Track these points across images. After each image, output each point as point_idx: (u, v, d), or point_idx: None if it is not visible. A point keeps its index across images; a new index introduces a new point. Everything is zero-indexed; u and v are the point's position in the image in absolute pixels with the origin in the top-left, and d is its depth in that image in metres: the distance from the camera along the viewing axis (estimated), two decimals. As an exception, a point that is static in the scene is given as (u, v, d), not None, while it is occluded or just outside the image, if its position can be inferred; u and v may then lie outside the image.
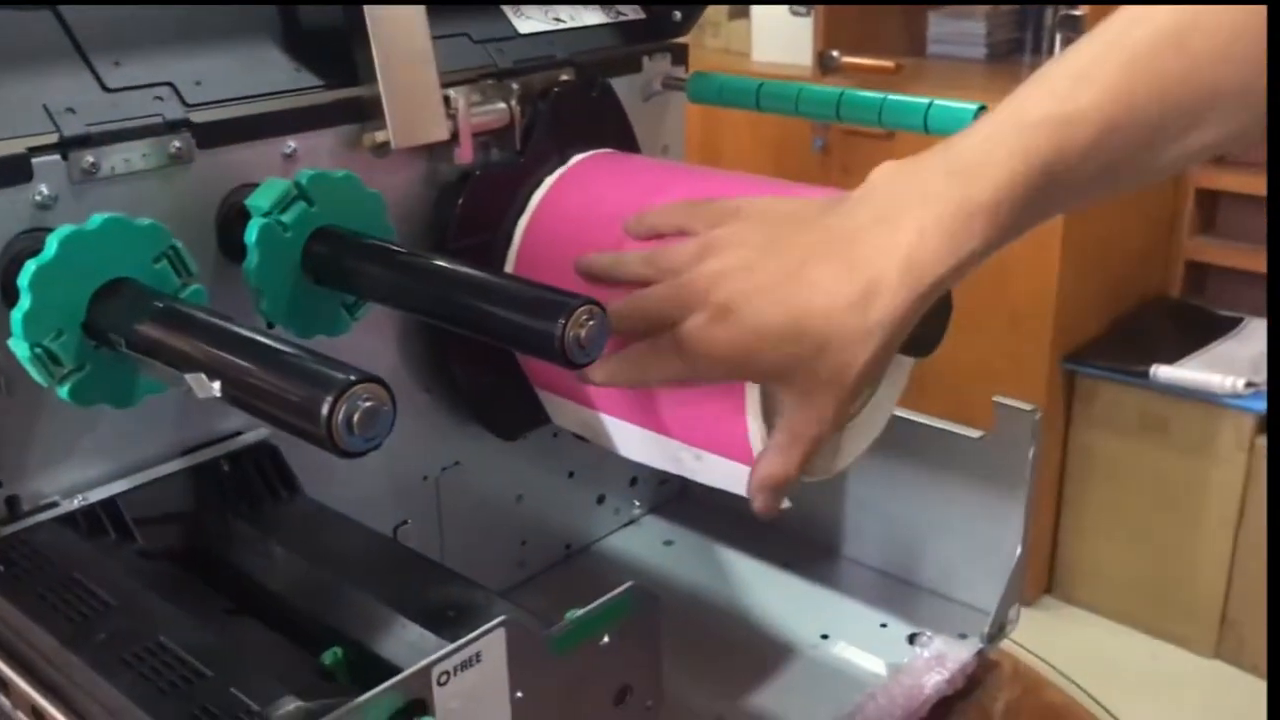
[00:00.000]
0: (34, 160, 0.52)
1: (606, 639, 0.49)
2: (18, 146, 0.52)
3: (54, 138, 0.53)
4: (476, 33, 0.70)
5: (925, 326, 0.62)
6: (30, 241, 0.53)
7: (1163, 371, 1.90)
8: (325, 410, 0.40)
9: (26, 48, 0.55)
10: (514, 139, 0.70)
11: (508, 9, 0.73)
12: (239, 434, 0.62)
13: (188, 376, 0.44)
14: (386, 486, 0.71)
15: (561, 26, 0.75)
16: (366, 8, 0.61)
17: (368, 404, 0.40)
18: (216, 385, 0.43)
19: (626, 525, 0.88)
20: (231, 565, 0.58)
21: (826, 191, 0.60)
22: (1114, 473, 2.03)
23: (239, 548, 0.58)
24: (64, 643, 0.46)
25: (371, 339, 0.66)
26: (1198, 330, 2.04)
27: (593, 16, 0.77)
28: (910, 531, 0.80)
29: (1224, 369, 1.87)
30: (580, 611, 0.49)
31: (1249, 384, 1.84)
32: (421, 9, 0.63)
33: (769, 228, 0.55)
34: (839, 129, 2.06)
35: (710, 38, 2.40)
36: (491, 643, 0.44)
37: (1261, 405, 1.82)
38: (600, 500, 0.86)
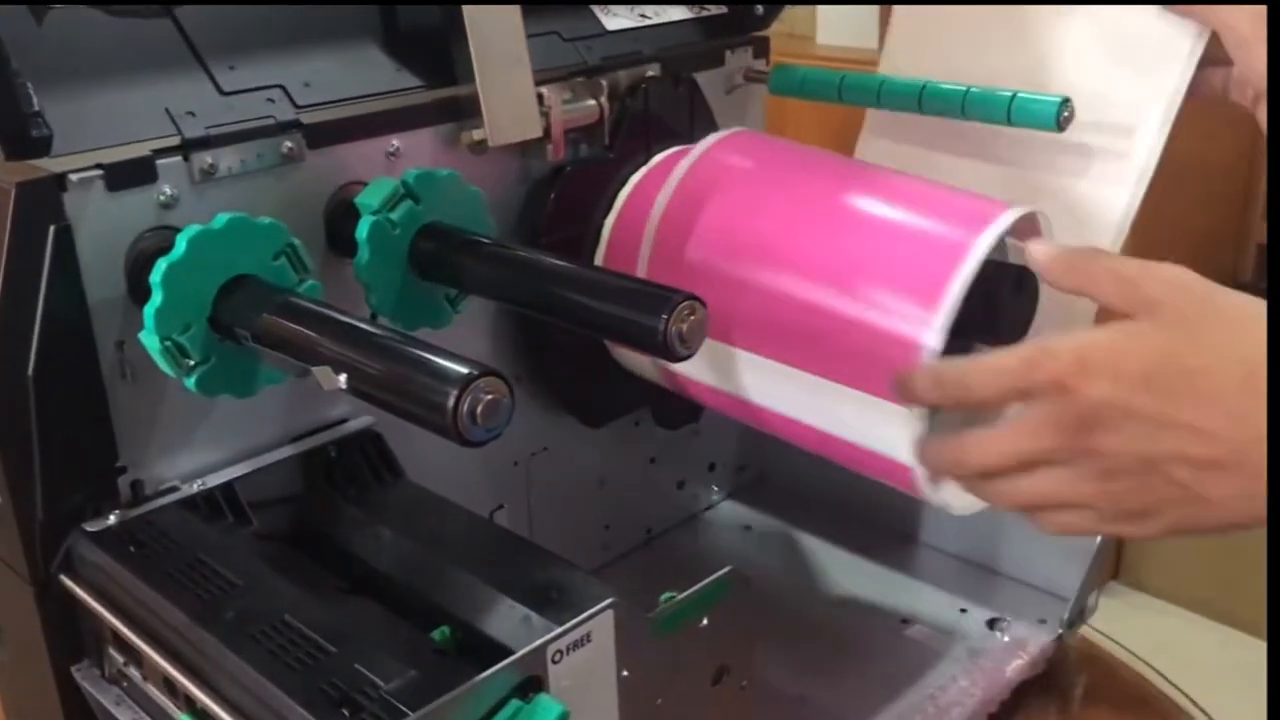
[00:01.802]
0: (158, 162, 0.55)
1: (705, 621, 0.51)
2: (143, 149, 0.55)
3: (176, 140, 0.56)
4: (566, 31, 0.72)
5: (1017, 310, 0.63)
6: (154, 239, 0.55)
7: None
8: (451, 403, 0.42)
9: (148, 54, 0.58)
10: (603, 135, 0.71)
11: (596, 7, 0.75)
12: (344, 421, 0.65)
13: (315, 370, 0.47)
14: (480, 471, 0.73)
15: (647, 23, 0.76)
16: (465, 8, 0.63)
17: (489, 397, 0.43)
18: (342, 378, 0.46)
19: (705, 510, 0.90)
20: (340, 547, 0.60)
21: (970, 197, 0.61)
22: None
23: (347, 530, 0.61)
24: (196, 620, 0.49)
25: (465, 330, 0.68)
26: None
27: (677, 12, 0.79)
28: (988, 518, 0.80)
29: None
30: (680, 595, 0.52)
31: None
32: (517, 9, 0.65)
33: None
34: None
35: (775, 22, 2.40)
36: (601, 624, 0.46)
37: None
38: (680, 485, 0.88)
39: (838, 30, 2.22)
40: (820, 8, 2.26)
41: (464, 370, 0.43)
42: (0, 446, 0.54)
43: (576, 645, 0.45)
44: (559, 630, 0.45)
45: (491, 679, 0.43)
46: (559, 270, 0.55)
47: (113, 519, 0.56)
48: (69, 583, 0.55)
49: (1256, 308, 0.49)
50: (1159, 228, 1.98)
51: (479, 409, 0.42)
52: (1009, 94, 0.70)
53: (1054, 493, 0.51)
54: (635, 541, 0.86)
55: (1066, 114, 0.67)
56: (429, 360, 0.44)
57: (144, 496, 0.58)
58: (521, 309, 0.61)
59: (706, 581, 0.51)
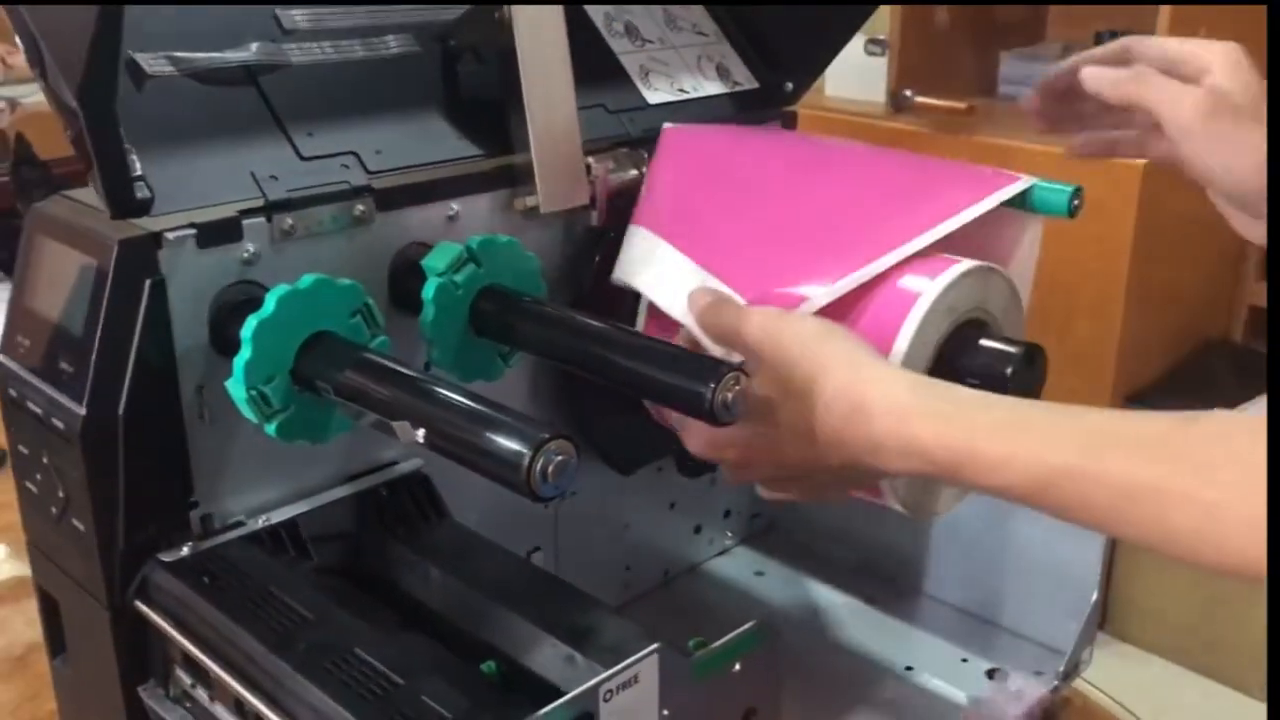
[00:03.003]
0: (244, 222, 0.60)
1: (738, 667, 0.55)
2: (231, 210, 0.60)
3: (260, 202, 0.61)
4: (612, 104, 0.77)
5: (1024, 388, 0.68)
6: (236, 293, 0.60)
7: (1223, 417, 1.93)
8: (526, 463, 0.47)
9: (236, 121, 0.63)
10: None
11: (638, 82, 0.80)
12: (395, 463, 0.69)
13: (395, 424, 0.51)
14: (516, 513, 0.77)
15: (685, 97, 0.82)
16: (524, 83, 0.68)
17: (559, 458, 0.47)
18: (420, 433, 0.50)
19: (720, 554, 0.95)
20: (391, 582, 0.65)
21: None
22: (1170, 513, 2.06)
23: (398, 567, 0.65)
24: (271, 649, 0.54)
25: (510, 382, 0.72)
26: (1258, 375, 2.07)
27: (713, 87, 0.84)
28: (989, 572, 0.85)
29: (1284, 416, 1.90)
30: (710, 642, 0.56)
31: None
32: (571, 87, 0.70)
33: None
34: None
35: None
36: (647, 666, 0.51)
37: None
38: (697, 530, 0.92)
39: (847, 83, 2.28)
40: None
41: (537, 433, 0.47)
42: (90, 479, 0.58)
43: (625, 685, 0.50)
44: (612, 671, 0.49)
45: (551, 714, 0.47)
46: (611, 336, 0.60)
47: (185, 550, 0.61)
48: (143, 608, 0.60)
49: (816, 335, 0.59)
50: (1156, 289, 2.04)
51: (550, 468, 0.47)
52: (1029, 183, 0.74)
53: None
54: (654, 582, 0.90)
55: (1077, 202, 0.72)
56: (506, 421, 0.49)
57: (213, 530, 0.62)
58: (572, 369, 0.66)
59: (739, 631, 0.56)
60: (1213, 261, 2.14)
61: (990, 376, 0.66)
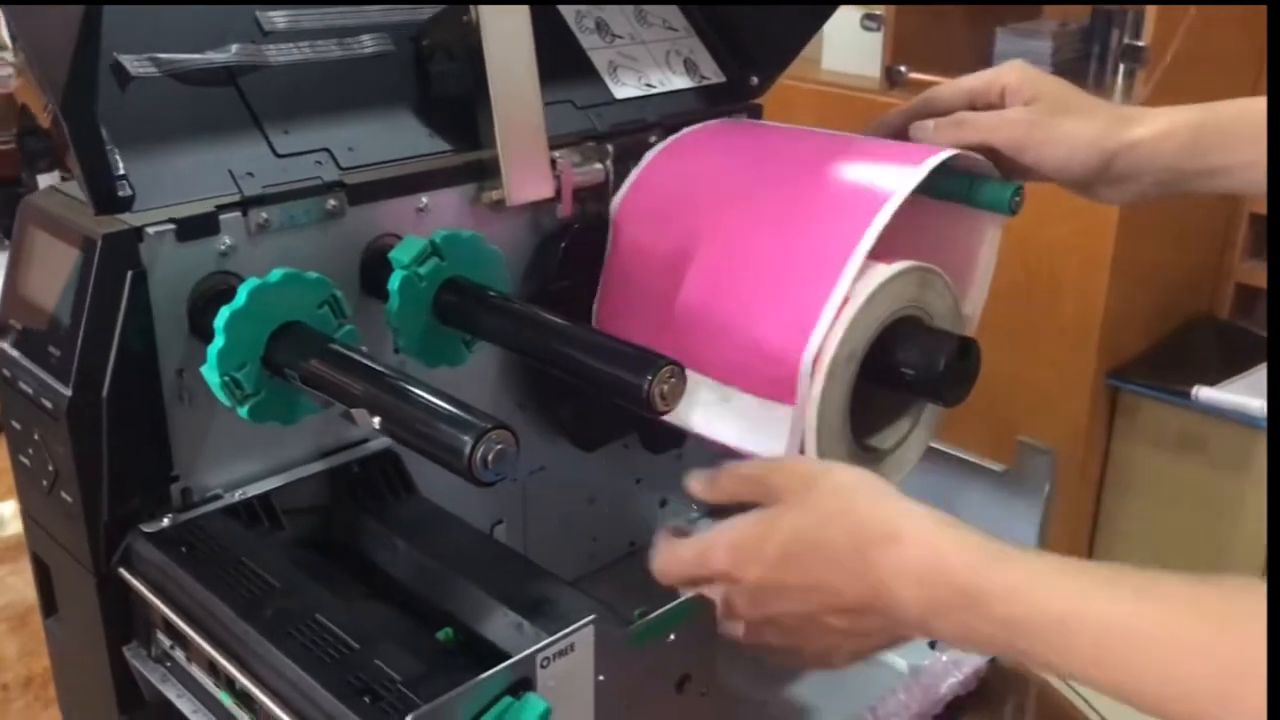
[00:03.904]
0: (221, 217, 0.64)
1: (673, 636, 0.60)
2: (208, 206, 0.64)
3: (236, 197, 0.65)
4: (579, 100, 0.81)
5: (958, 380, 0.72)
6: (213, 283, 0.64)
7: (1204, 393, 1.97)
8: (468, 450, 0.51)
9: (214, 120, 0.67)
10: (608, 194, 0.80)
11: (607, 77, 0.83)
12: (366, 441, 0.74)
13: (353, 411, 0.56)
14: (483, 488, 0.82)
15: (652, 92, 0.85)
16: (490, 80, 0.72)
17: (499, 446, 0.52)
18: (376, 421, 0.55)
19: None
20: (359, 553, 0.69)
21: (930, 148, 0.73)
22: (1152, 488, 2.11)
23: (367, 539, 0.70)
24: (240, 614, 0.58)
25: (480, 364, 0.76)
26: (1243, 352, 2.10)
27: (680, 81, 0.87)
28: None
29: (1264, 392, 1.94)
30: (652, 613, 0.60)
31: (1287, 408, 1.90)
32: (537, 85, 0.74)
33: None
34: (902, 142, 2.14)
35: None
36: (583, 635, 0.55)
37: (1298, 430, 1.89)
38: (663, 504, 0.97)
39: (842, 57, 2.30)
40: (828, 35, 2.34)
41: (480, 422, 0.52)
42: (76, 456, 0.62)
43: (562, 653, 0.54)
44: (549, 640, 0.53)
45: (491, 678, 0.52)
46: (559, 329, 0.64)
47: (166, 522, 0.65)
48: (127, 575, 0.64)
49: (854, 476, 0.62)
50: (1141, 265, 2.08)
51: (490, 456, 0.51)
52: (968, 179, 0.78)
53: (765, 645, 0.64)
54: (620, 553, 0.95)
55: (1018, 199, 0.75)
56: (451, 412, 0.53)
57: (192, 503, 0.67)
58: (525, 358, 0.70)
59: (675, 603, 0.60)
60: (1198, 238, 2.17)
61: (924, 369, 0.70)
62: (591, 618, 0.55)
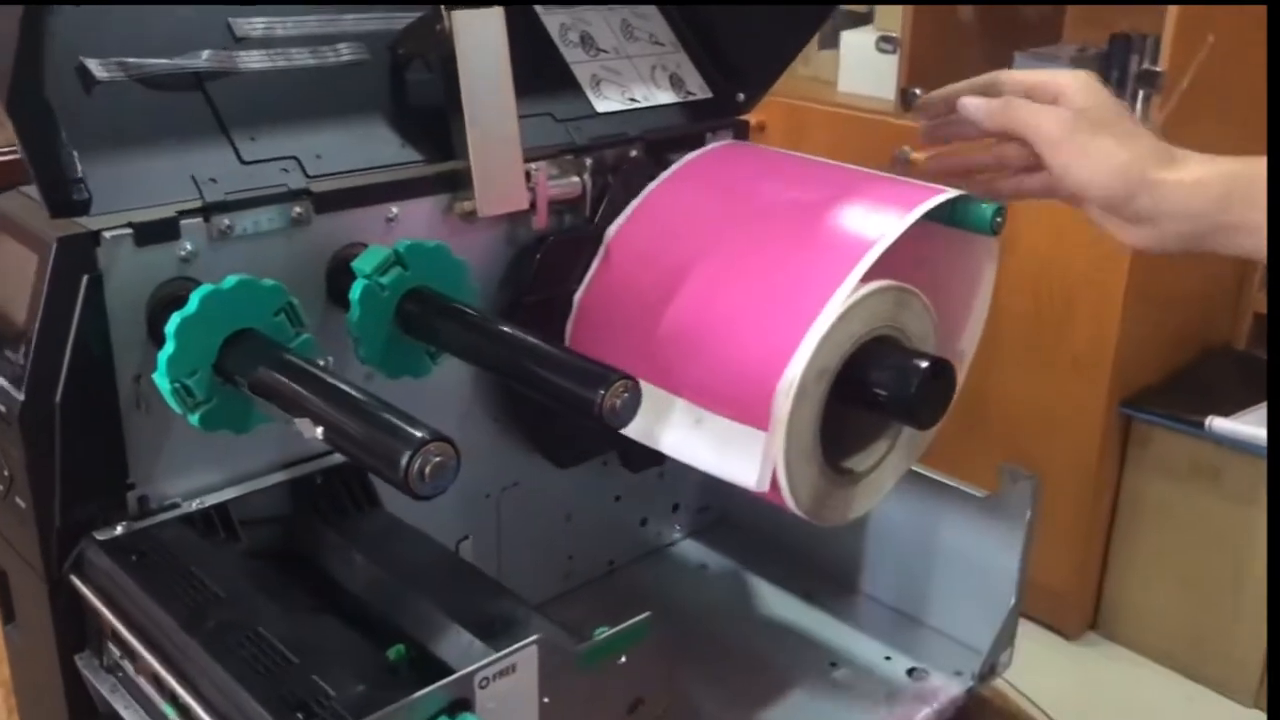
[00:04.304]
0: (182, 222, 0.63)
1: (624, 659, 0.58)
2: (169, 211, 0.63)
3: (198, 203, 0.64)
4: (559, 113, 0.80)
5: (931, 403, 0.71)
6: (173, 288, 0.64)
7: (1217, 423, 1.94)
8: (404, 461, 0.50)
9: (181, 124, 0.66)
10: (585, 207, 0.79)
11: (589, 91, 0.83)
12: (330, 453, 0.73)
13: (296, 420, 0.55)
14: (455, 502, 0.81)
15: (635, 106, 0.84)
16: (464, 92, 0.71)
17: (438, 459, 0.50)
18: (319, 430, 0.54)
19: (667, 546, 0.98)
20: (318, 566, 0.68)
21: (927, 188, 0.73)
22: (1164, 517, 2.07)
23: (325, 552, 0.69)
24: (182, 625, 0.57)
25: (451, 375, 0.76)
26: (1259, 383, 2.07)
27: (665, 96, 0.86)
28: (921, 574, 0.88)
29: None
30: (605, 632, 0.59)
31: (1301, 441, 1.87)
32: (512, 95, 0.73)
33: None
34: (918, 164, 2.12)
35: (801, 65, 2.47)
36: (526, 656, 0.54)
37: (1312, 464, 1.85)
38: (643, 523, 0.95)
39: (858, 79, 2.29)
40: (844, 56, 2.34)
41: (418, 434, 0.50)
42: (29, 461, 0.62)
43: (503, 674, 0.53)
44: (487, 660, 0.52)
45: (425, 697, 0.50)
46: (517, 341, 0.63)
47: (120, 529, 0.64)
48: (78, 582, 0.64)
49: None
50: (1156, 294, 2.05)
51: (428, 469, 0.50)
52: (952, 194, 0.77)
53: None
54: (598, 572, 0.93)
55: (999, 219, 0.74)
56: (390, 422, 0.52)
57: (149, 511, 0.66)
58: (485, 370, 0.69)
59: (627, 624, 0.59)
60: (1215, 268, 2.14)
61: (896, 389, 0.69)
62: (534, 638, 0.54)
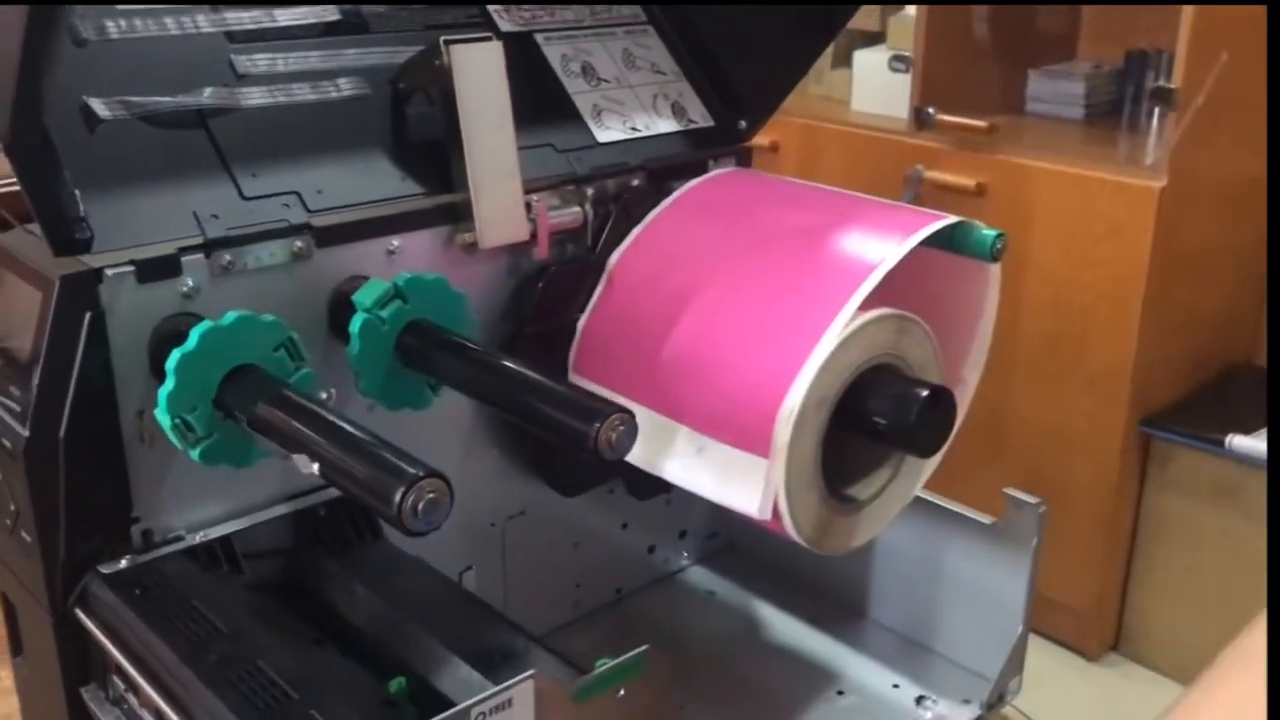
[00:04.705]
0: (183, 259, 0.64)
1: (622, 692, 0.58)
2: (170, 248, 0.64)
3: (199, 239, 0.65)
4: (561, 143, 0.81)
5: (931, 431, 0.70)
6: (175, 324, 0.64)
7: (1238, 441, 1.92)
8: (398, 498, 0.50)
9: (183, 162, 0.67)
10: (587, 237, 0.80)
11: (590, 121, 0.83)
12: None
13: (294, 456, 0.55)
14: (460, 531, 0.81)
15: (637, 135, 0.85)
16: (464, 124, 0.72)
17: (431, 495, 0.51)
18: (315, 466, 0.54)
19: (675, 574, 0.98)
20: (321, 598, 0.69)
21: (927, 214, 0.71)
22: (1186, 536, 2.05)
23: (328, 584, 0.69)
24: (183, 660, 0.58)
25: (455, 404, 0.76)
26: (1281, 400, 2.05)
27: (666, 125, 0.87)
28: (928, 601, 0.88)
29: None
30: (605, 664, 0.59)
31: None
32: (511, 127, 0.74)
33: None
34: (931, 183, 2.12)
35: (814, 84, 2.48)
36: (522, 691, 0.54)
37: (1335, 482, 1.83)
38: (651, 550, 0.95)
39: (871, 98, 2.29)
40: (857, 76, 2.34)
41: (411, 471, 0.51)
42: (33, 496, 0.62)
43: (499, 709, 0.53)
44: (483, 695, 0.52)
45: (420, 733, 0.51)
46: (513, 375, 0.63)
47: (124, 563, 0.65)
48: (83, 617, 0.64)
49: None
50: (1174, 311, 2.03)
51: (421, 504, 0.50)
52: (954, 220, 0.77)
53: None
54: (606, 599, 0.93)
55: (999, 245, 0.74)
56: (385, 459, 0.52)
57: (153, 544, 0.67)
58: (482, 403, 0.70)
59: (624, 657, 0.59)
60: (1236, 285, 2.13)
61: (896, 417, 0.69)
62: (529, 673, 0.54)
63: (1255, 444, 1.91)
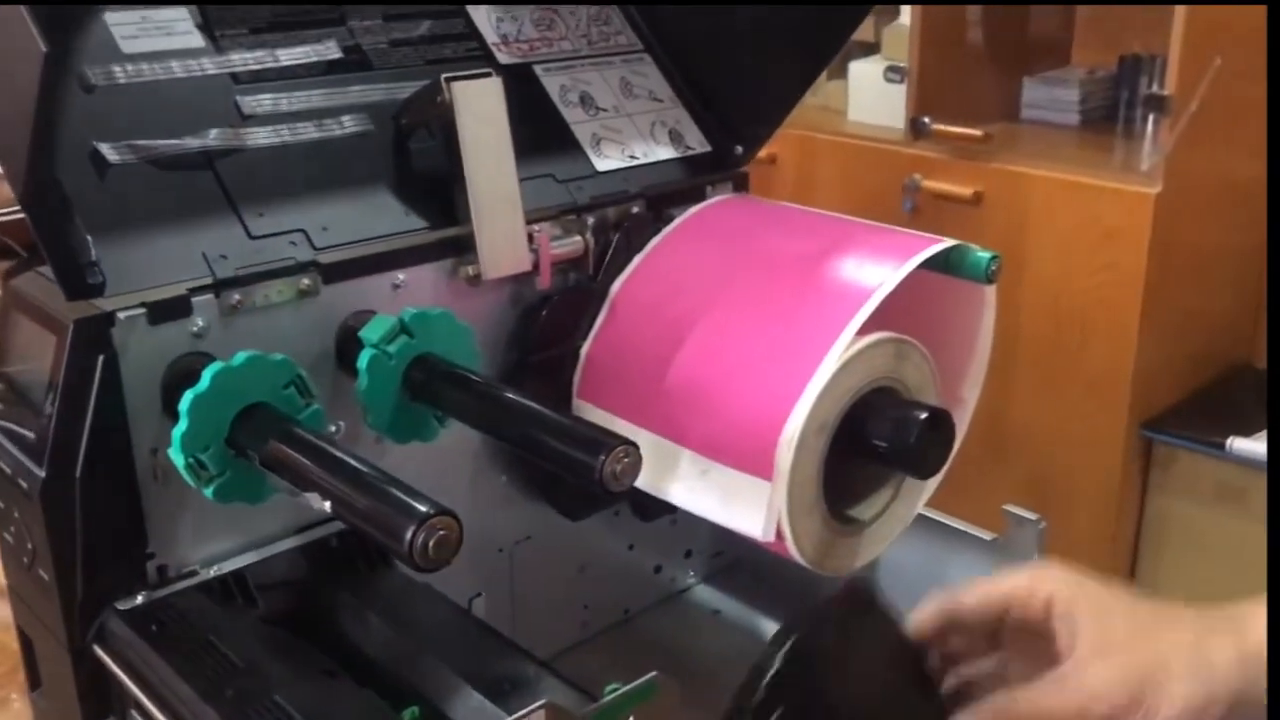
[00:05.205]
0: (193, 299, 0.65)
1: (631, 719, 0.60)
2: (180, 289, 0.65)
3: (209, 280, 0.66)
4: (560, 173, 0.82)
5: (931, 452, 0.72)
6: (187, 363, 0.65)
7: (1238, 443, 1.94)
8: (409, 536, 0.51)
9: (191, 203, 0.68)
10: (588, 265, 0.81)
11: (589, 150, 0.84)
12: (345, 515, 0.74)
13: (305, 494, 0.57)
14: (469, 558, 0.81)
15: (635, 163, 0.86)
16: (465, 160, 0.73)
17: (441, 533, 0.52)
18: (327, 505, 0.55)
19: (681, 593, 0.99)
20: (334, 629, 0.70)
21: (923, 237, 0.72)
22: (1190, 539, 2.06)
23: (341, 614, 0.70)
24: (201, 695, 0.59)
25: (462, 432, 0.76)
26: (1281, 402, 2.06)
27: (664, 152, 0.88)
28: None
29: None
30: (615, 690, 0.60)
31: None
32: (512, 160, 0.75)
33: None
34: (928, 192, 2.14)
35: (810, 96, 2.49)
36: (534, 720, 0.55)
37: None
38: (657, 570, 0.96)
39: (868, 109, 2.31)
40: (852, 86, 2.35)
41: (422, 509, 0.52)
42: (50, 535, 0.64)
43: (511, 738, 0.54)
44: (495, 726, 0.54)
45: (434, 764, 0.52)
46: (518, 408, 0.64)
47: (140, 599, 0.66)
48: (100, 652, 0.65)
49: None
50: (1173, 314, 2.05)
51: (431, 543, 0.52)
52: (951, 244, 0.78)
53: None
54: (614, 620, 0.94)
55: (994, 268, 0.75)
56: (395, 497, 0.53)
57: (168, 579, 0.68)
58: (489, 435, 0.71)
59: (634, 684, 0.60)
60: (1234, 288, 2.14)
61: (896, 440, 0.70)
62: (541, 702, 0.55)
63: (1255, 446, 1.92)
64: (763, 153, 0.91)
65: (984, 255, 0.75)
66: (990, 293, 0.77)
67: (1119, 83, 2.28)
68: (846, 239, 0.76)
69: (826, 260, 0.74)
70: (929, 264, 0.77)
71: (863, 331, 0.69)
